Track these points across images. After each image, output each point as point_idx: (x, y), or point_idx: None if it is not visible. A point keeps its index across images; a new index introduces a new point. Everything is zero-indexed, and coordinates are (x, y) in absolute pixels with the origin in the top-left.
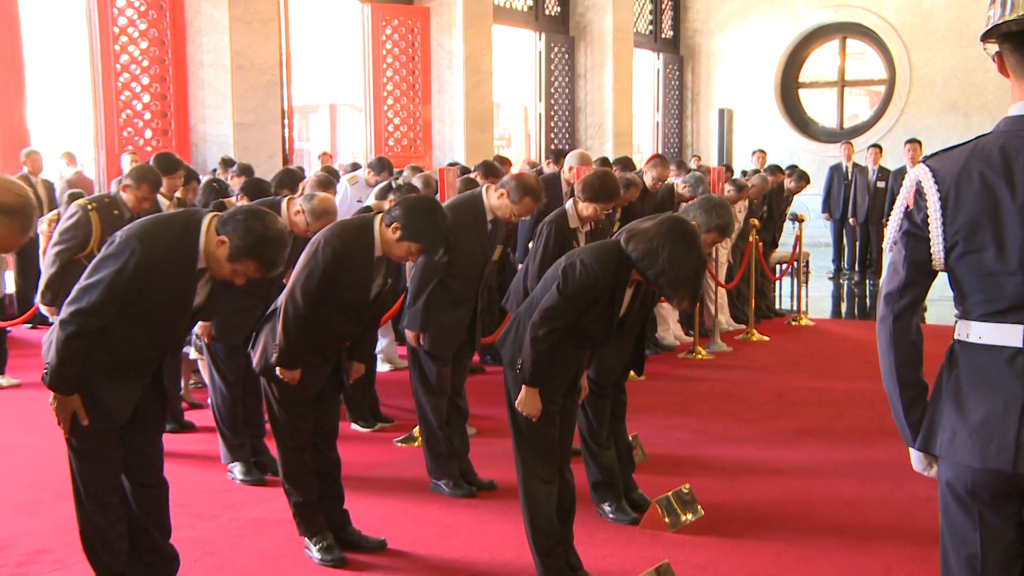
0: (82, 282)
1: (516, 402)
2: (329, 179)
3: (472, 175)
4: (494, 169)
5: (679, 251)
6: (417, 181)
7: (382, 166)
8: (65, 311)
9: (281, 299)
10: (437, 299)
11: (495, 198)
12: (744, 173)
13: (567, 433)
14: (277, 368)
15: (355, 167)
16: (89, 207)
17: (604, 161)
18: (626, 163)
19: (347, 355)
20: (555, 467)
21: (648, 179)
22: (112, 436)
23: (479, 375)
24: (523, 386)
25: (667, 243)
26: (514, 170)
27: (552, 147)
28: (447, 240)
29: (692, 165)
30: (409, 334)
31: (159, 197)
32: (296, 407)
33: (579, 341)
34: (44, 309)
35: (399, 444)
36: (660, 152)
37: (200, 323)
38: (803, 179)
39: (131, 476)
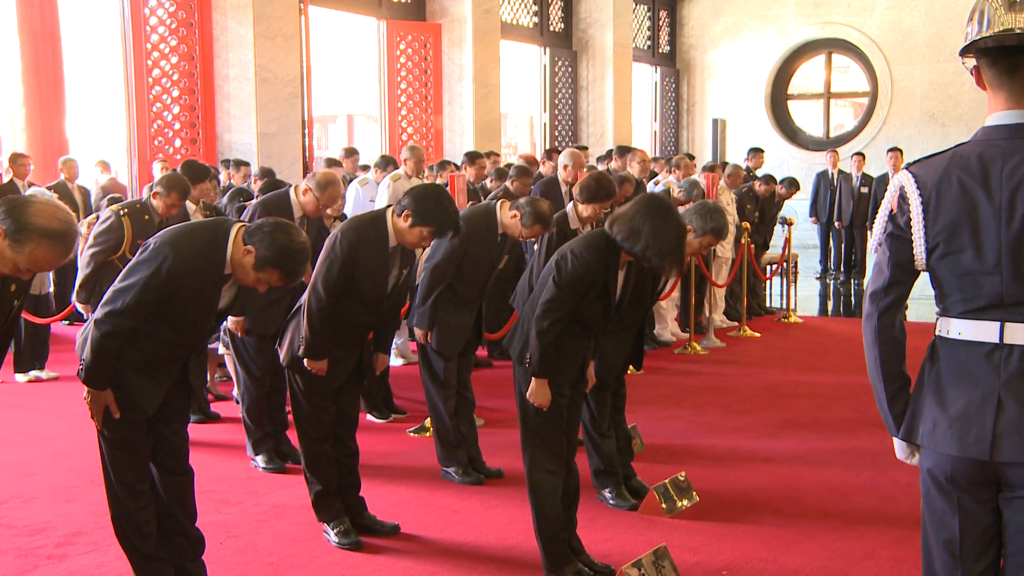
0: (117, 285)
1: (527, 394)
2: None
3: (460, 167)
4: (475, 154)
5: (659, 224)
6: (406, 152)
7: (387, 162)
8: (100, 311)
9: (305, 295)
10: (444, 301)
11: (508, 217)
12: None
13: (573, 425)
14: (304, 360)
15: (350, 152)
16: (122, 212)
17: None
18: (623, 151)
19: (372, 347)
20: (562, 459)
21: (635, 171)
22: (141, 427)
23: (487, 370)
24: (533, 378)
25: (647, 219)
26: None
27: (546, 148)
28: (456, 223)
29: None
30: (417, 332)
31: (186, 202)
32: (319, 399)
33: (582, 330)
34: (80, 307)
35: (411, 434)
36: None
37: (232, 319)
38: (793, 186)
39: (159, 464)
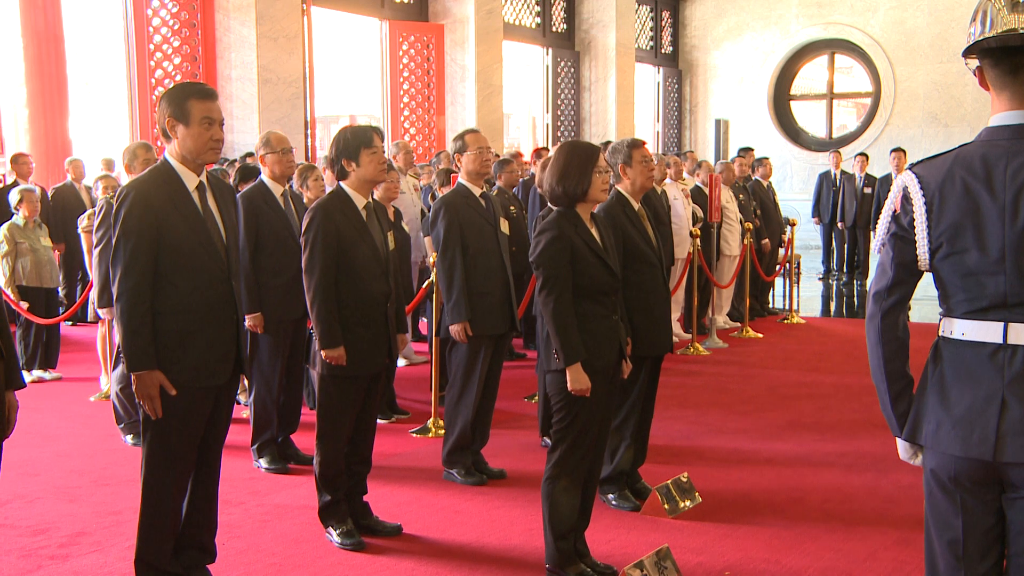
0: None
1: (568, 385)
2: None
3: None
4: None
5: (560, 158)
6: (394, 148)
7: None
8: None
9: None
10: (472, 282)
11: (462, 172)
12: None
13: (602, 438)
14: (323, 352)
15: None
16: (109, 197)
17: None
18: (608, 145)
19: (395, 330)
20: (586, 464)
21: None
22: (203, 406)
23: None
24: (567, 369)
25: (554, 162)
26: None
27: (536, 148)
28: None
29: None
30: (455, 329)
31: None
32: (352, 392)
33: (600, 305)
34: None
35: (414, 435)
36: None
37: (249, 317)
38: (764, 159)
39: (203, 462)
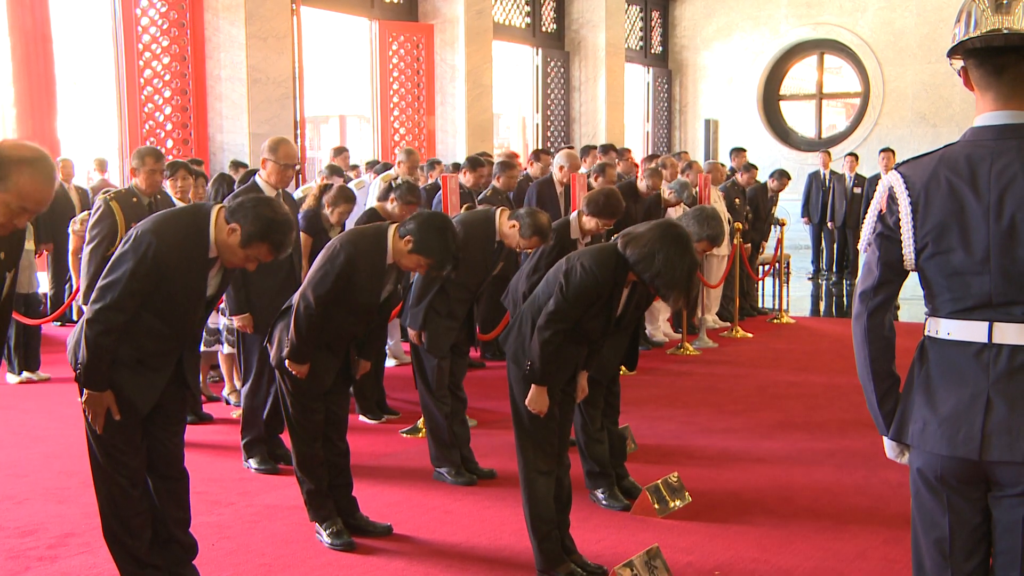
0: (103, 281)
1: (526, 400)
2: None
3: (461, 171)
4: (477, 162)
5: (673, 254)
6: (401, 155)
7: (386, 169)
8: (90, 310)
9: (295, 297)
10: (437, 303)
11: (507, 226)
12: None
13: (566, 425)
14: (287, 361)
15: (339, 151)
16: (108, 198)
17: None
18: (606, 149)
19: (355, 352)
20: (554, 459)
21: (642, 186)
22: (136, 429)
23: (480, 370)
24: (532, 385)
25: (663, 247)
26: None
27: (536, 149)
28: (455, 258)
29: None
30: (411, 332)
31: (174, 200)
32: (308, 400)
33: (579, 339)
34: (87, 309)
35: (404, 435)
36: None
37: (238, 318)
38: (784, 176)
39: (153, 469)
